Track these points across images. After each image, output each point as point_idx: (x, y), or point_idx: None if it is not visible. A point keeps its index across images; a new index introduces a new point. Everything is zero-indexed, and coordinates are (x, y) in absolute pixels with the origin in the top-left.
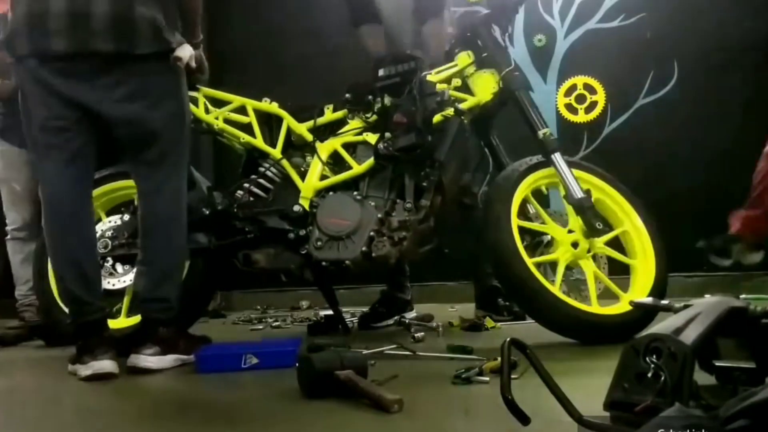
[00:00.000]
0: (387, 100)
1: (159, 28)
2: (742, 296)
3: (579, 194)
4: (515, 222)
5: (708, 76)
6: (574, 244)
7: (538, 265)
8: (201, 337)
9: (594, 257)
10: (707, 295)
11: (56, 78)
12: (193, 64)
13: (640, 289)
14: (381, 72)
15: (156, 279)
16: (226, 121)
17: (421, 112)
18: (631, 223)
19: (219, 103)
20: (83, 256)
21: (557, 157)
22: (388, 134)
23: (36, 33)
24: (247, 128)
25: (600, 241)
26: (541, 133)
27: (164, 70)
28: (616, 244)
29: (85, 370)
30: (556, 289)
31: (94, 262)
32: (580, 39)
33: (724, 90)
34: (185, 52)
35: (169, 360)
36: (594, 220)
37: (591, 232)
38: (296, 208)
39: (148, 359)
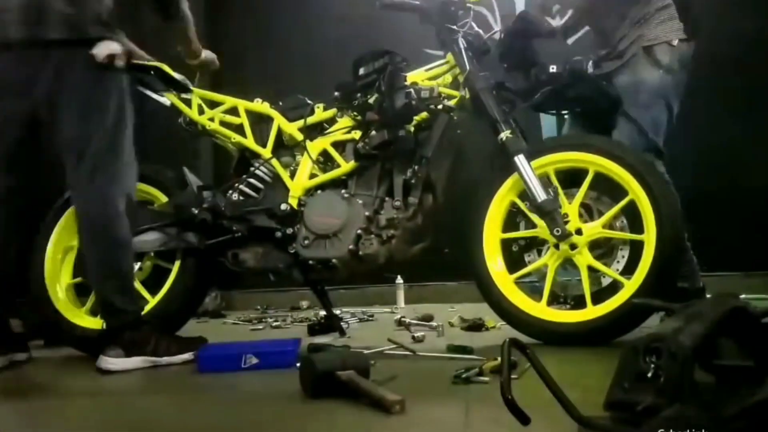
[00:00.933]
0: (371, 98)
1: (74, 17)
2: (742, 296)
3: (541, 197)
4: (497, 236)
5: (708, 76)
6: (557, 246)
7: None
8: (194, 338)
9: (611, 251)
10: (707, 295)
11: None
12: (120, 63)
13: (645, 266)
14: (361, 70)
15: (96, 285)
16: (220, 122)
17: (391, 108)
18: (634, 193)
19: (212, 105)
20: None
21: (520, 159)
22: (371, 131)
23: None
24: (239, 128)
25: (597, 225)
26: (503, 134)
27: (81, 63)
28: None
29: None
30: (537, 303)
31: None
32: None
33: (724, 90)
34: (104, 48)
35: (133, 362)
36: (553, 226)
37: (556, 237)
38: (283, 206)
39: (110, 361)
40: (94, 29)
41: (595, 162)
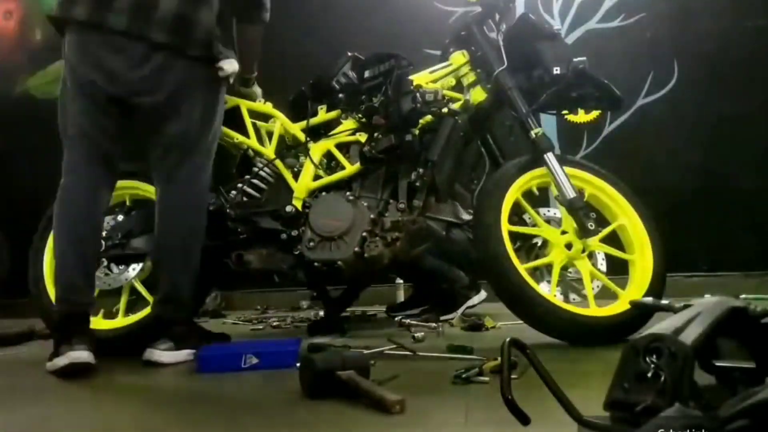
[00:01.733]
0: (376, 101)
1: (213, 35)
2: (742, 296)
3: (571, 194)
4: (506, 228)
5: (708, 76)
6: (568, 246)
7: (535, 267)
8: (219, 334)
9: (591, 255)
10: (707, 295)
11: (106, 52)
12: (231, 81)
13: (638, 285)
14: (366, 73)
15: (170, 276)
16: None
17: (398, 112)
18: (627, 218)
19: None
20: (89, 246)
21: (550, 157)
22: (377, 135)
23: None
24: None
25: (595, 239)
26: (533, 132)
27: (207, 75)
28: (615, 242)
29: (62, 360)
30: (551, 294)
31: (96, 254)
32: (580, 39)
33: (724, 90)
34: (231, 65)
35: (182, 355)
36: (586, 220)
37: (583, 232)
38: (288, 208)
39: (162, 354)
40: (220, 48)
41: (592, 183)
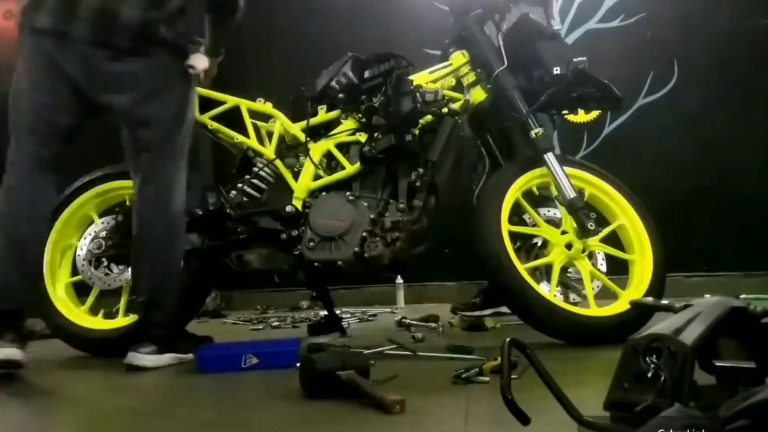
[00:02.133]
0: (376, 101)
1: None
2: (742, 296)
3: (571, 194)
4: (506, 228)
5: (708, 76)
6: (568, 246)
7: (535, 267)
8: (203, 336)
9: (591, 255)
10: (707, 295)
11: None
12: (201, 78)
13: (638, 285)
14: (366, 73)
15: (151, 281)
16: (219, 120)
17: (398, 112)
18: (627, 218)
19: (214, 103)
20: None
21: (550, 157)
22: (377, 135)
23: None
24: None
25: (595, 239)
26: (533, 132)
27: (176, 72)
28: (615, 241)
29: None
30: (551, 294)
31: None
32: (580, 39)
33: (724, 90)
34: (201, 62)
35: (165, 359)
36: (586, 220)
37: (583, 232)
38: (288, 208)
39: (145, 357)
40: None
41: (592, 183)
